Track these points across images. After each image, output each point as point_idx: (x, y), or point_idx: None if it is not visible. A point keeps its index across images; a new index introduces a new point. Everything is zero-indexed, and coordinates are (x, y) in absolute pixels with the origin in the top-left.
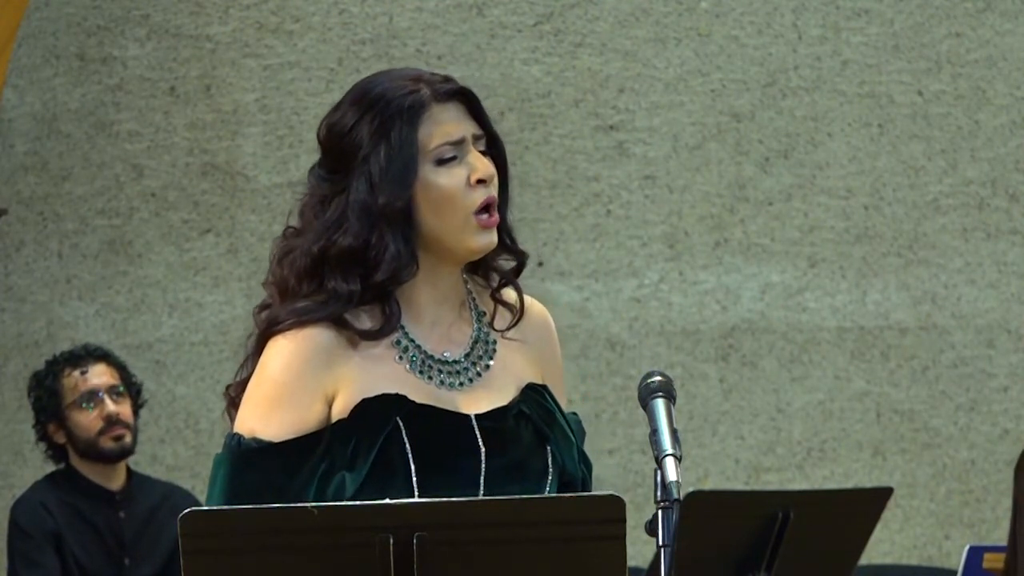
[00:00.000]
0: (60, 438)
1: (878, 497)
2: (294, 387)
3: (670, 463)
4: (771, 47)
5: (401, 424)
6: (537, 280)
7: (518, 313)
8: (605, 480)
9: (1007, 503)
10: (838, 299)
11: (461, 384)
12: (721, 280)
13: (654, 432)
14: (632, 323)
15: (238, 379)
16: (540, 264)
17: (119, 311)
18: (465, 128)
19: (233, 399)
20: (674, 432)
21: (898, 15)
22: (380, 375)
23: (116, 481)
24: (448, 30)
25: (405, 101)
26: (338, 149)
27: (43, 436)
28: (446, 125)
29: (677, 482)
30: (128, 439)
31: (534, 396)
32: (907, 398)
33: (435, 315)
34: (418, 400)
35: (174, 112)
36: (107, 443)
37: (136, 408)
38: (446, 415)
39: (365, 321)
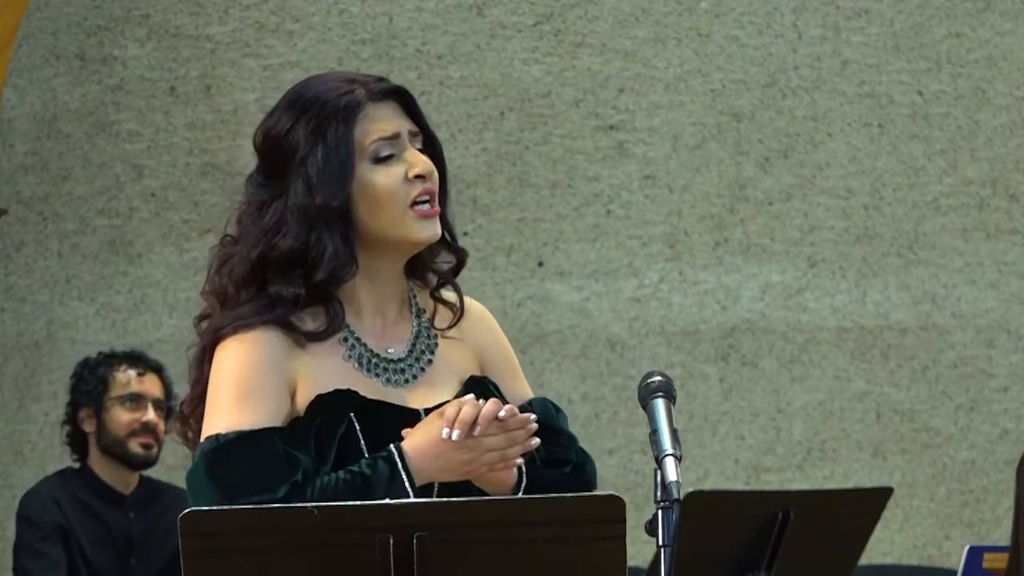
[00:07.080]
0: (88, 427)
1: (878, 497)
2: (259, 382)
3: (670, 463)
4: (771, 47)
5: (354, 419)
6: (537, 280)
7: (459, 312)
8: (605, 480)
9: (1007, 503)
10: (838, 299)
11: (406, 381)
12: (721, 280)
13: (654, 432)
14: (632, 323)
15: (190, 395)
16: (540, 264)
17: (119, 311)
18: (400, 124)
19: (186, 417)
20: (674, 432)
21: (898, 15)
22: (330, 372)
23: (129, 485)
24: (448, 30)
25: (340, 101)
26: (275, 153)
27: (71, 419)
28: (381, 122)
29: (677, 482)
30: (155, 451)
31: (477, 388)
32: (907, 398)
33: (376, 312)
34: (368, 396)
35: (174, 112)
36: (135, 447)
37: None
38: (396, 410)
39: (308, 323)
